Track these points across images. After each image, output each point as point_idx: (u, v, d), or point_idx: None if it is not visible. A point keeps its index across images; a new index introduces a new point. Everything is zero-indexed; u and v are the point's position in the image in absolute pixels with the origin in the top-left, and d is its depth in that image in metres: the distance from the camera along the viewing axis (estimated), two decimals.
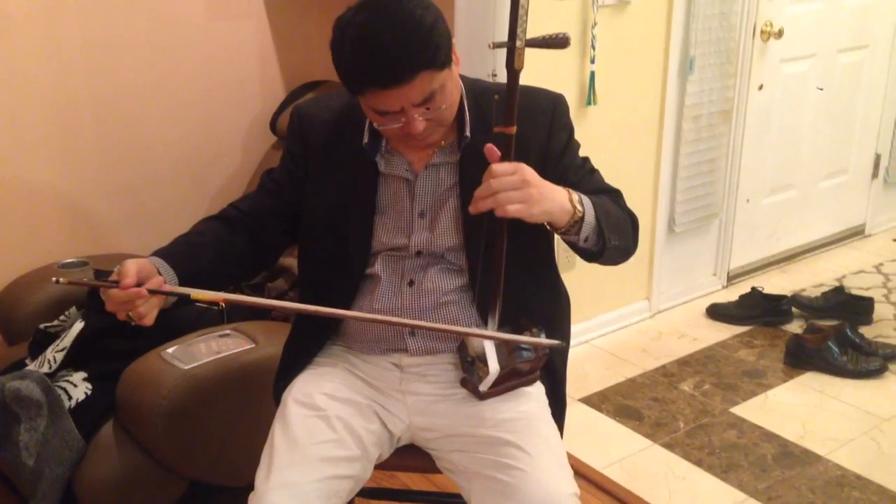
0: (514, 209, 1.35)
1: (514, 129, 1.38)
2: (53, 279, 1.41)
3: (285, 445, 1.48)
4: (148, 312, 1.40)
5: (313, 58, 3.08)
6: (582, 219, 1.44)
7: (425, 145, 1.53)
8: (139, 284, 1.38)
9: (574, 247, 1.52)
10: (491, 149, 1.38)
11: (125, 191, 2.79)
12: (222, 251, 1.61)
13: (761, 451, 2.57)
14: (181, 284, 1.50)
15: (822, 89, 3.58)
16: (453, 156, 1.56)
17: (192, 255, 1.57)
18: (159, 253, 1.54)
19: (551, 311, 1.67)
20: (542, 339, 1.50)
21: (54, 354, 2.13)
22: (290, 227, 1.67)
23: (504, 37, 1.34)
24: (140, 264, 1.42)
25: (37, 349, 2.22)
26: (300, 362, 1.65)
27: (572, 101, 2.84)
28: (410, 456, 1.65)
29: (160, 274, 1.46)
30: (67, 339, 2.15)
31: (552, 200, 1.39)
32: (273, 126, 2.96)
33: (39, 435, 1.97)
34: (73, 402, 2.04)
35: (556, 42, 1.36)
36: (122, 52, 2.68)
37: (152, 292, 1.39)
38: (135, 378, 2.03)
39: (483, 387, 1.50)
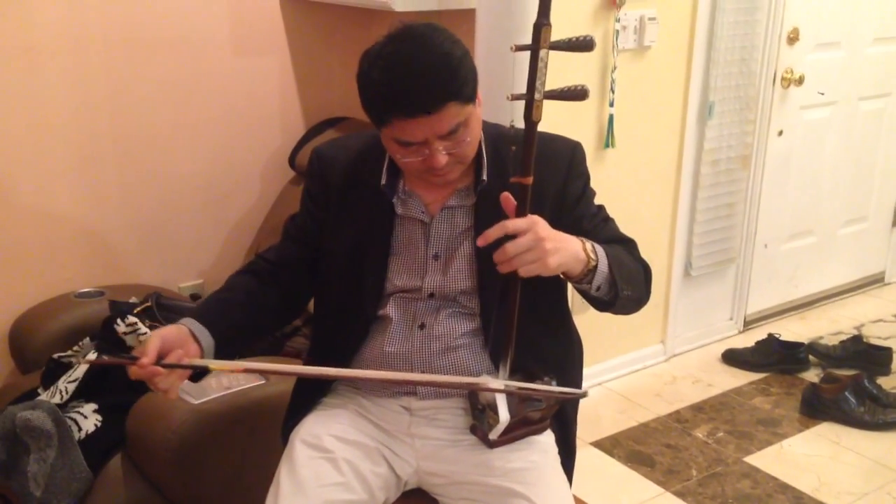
0: (527, 270, 1.35)
1: (530, 180, 1.38)
2: (79, 360, 1.43)
3: (291, 487, 1.47)
4: (170, 386, 1.41)
5: (334, 95, 3.10)
6: (595, 268, 1.43)
7: (444, 183, 1.53)
8: (160, 358, 1.38)
9: (586, 296, 1.52)
10: (507, 198, 1.37)
11: (144, 221, 2.81)
12: (254, 305, 1.62)
13: (775, 502, 2.53)
14: (218, 343, 1.51)
15: (822, 94, 3.56)
16: (469, 199, 1.56)
17: (223, 312, 1.58)
18: (193, 313, 1.54)
19: (563, 358, 1.66)
20: (554, 388, 1.49)
21: (66, 385, 2.14)
22: (317, 271, 1.67)
23: (523, 88, 1.35)
24: (166, 336, 1.43)
25: (49, 379, 2.22)
26: (309, 403, 1.65)
27: (590, 143, 2.86)
28: (417, 500, 1.63)
29: (194, 336, 1.48)
30: (80, 369, 2.16)
31: (566, 251, 1.39)
32: (292, 161, 2.98)
33: (48, 466, 1.96)
34: (82, 434, 2.04)
35: (575, 94, 1.36)
36: (146, 86, 2.72)
37: (167, 366, 1.38)
38: (144, 411, 2.03)
39: (493, 435, 1.49)
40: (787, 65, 3.41)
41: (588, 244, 1.43)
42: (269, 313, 1.66)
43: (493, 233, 1.35)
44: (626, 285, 1.47)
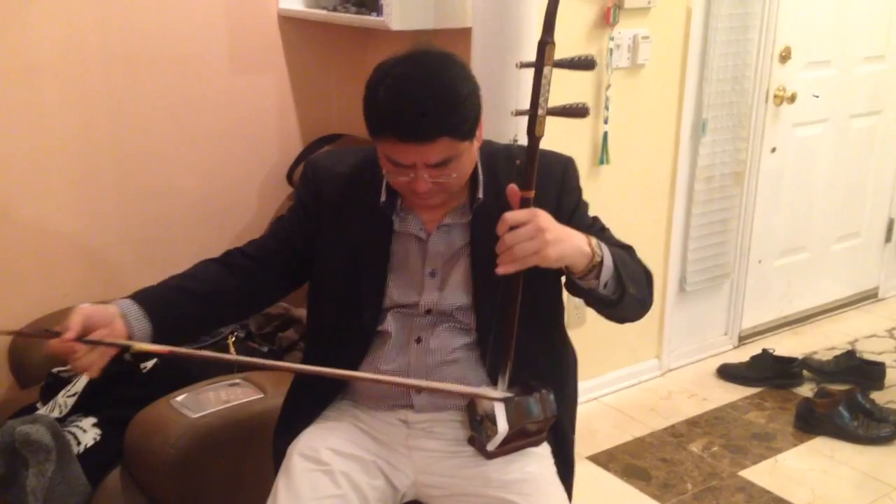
0: (526, 261, 1.36)
1: (532, 193, 1.40)
2: None
3: (287, 499, 1.49)
4: (91, 364, 1.39)
5: (331, 112, 3.13)
6: (601, 262, 1.44)
7: (429, 206, 1.56)
8: (83, 335, 1.37)
9: (593, 295, 1.49)
10: (513, 189, 1.40)
11: (142, 237, 2.83)
12: (213, 297, 1.60)
13: None
14: (156, 330, 1.49)
15: (817, 96, 3.60)
16: (465, 217, 1.58)
17: (174, 301, 1.55)
18: (139, 297, 1.51)
19: (559, 371, 1.68)
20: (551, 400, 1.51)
21: (65, 399, 2.15)
22: (290, 275, 1.67)
23: (517, 104, 1.38)
24: (92, 313, 1.41)
25: (48, 393, 2.23)
26: (305, 416, 1.66)
27: (585, 160, 2.89)
28: None
29: (128, 320, 1.46)
30: (79, 384, 2.17)
31: (568, 243, 1.40)
32: (289, 178, 3.00)
33: (47, 480, 1.97)
34: (81, 448, 2.05)
35: (576, 111, 1.40)
36: (145, 103, 2.74)
37: (88, 342, 1.37)
38: (143, 425, 2.04)
39: (491, 446, 1.51)
40: (779, 83, 3.45)
41: (593, 240, 1.44)
42: (228, 306, 1.64)
43: (499, 229, 1.37)
44: (632, 284, 1.48)
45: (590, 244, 1.43)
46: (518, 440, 1.54)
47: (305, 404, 1.68)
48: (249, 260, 1.65)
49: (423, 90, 1.39)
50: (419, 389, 1.57)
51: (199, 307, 1.59)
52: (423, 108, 1.37)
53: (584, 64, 1.39)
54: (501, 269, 1.38)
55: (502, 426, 1.47)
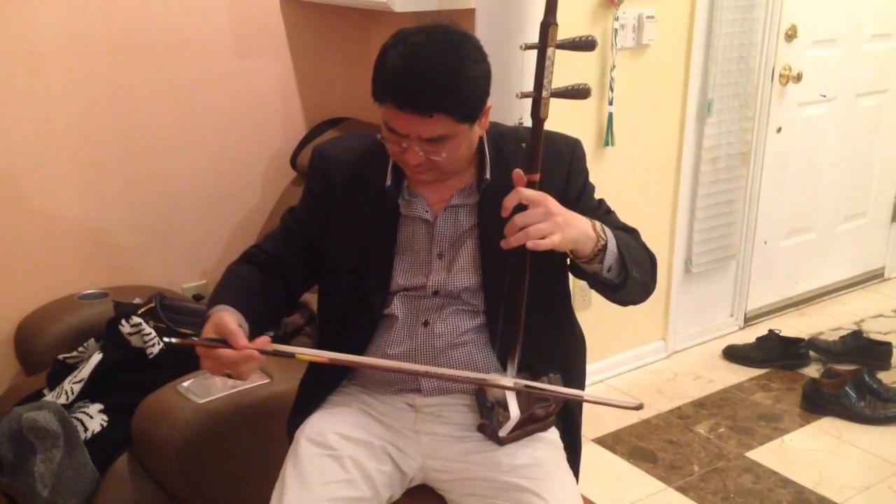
0: (546, 243, 1.35)
1: (537, 177, 1.40)
2: (165, 339, 1.40)
3: (296, 484, 1.49)
4: (250, 372, 1.41)
5: (334, 95, 3.12)
6: (605, 247, 1.44)
7: (421, 182, 1.55)
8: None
9: (597, 279, 1.50)
10: (518, 174, 1.39)
11: (146, 223, 2.82)
12: (266, 295, 1.62)
13: (777, 497, 2.54)
14: (252, 334, 1.48)
15: (824, 96, 3.58)
16: (472, 198, 1.58)
17: (254, 304, 1.56)
18: (231, 304, 1.50)
19: (567, 354, 1.68)
20: (562, 388, 1.51)
21: (72, 385, 2.15)
22: (314, 266, 1.68)
23: (530, 86, 1.38)
24: (235, 321, 1.41)
25: (55, 380, 2.24)
26: (315, 400, 1.66)
27: (590, 141, 2.88)
28: (423, 496, 1.64)
29: (244, 328, 1.46)
30: (85, 370, 2.17)
31: (577, 227, 1.40)
32: (293, 162, 2.99)
33: (55, 466, 1.98)
34: (88, 434, 2.06)
35: (579, 93, 1.41)
36: (148, 88, 2.73)
37: (264, 352, 1.38)
38: (150, 411, 2.05)
39: (503, 432, 1.51)
40: (785, 62, 3.42)
41: (597, 224, 1.45)
42: (278, 305, 1.67)
43: (509, 200, 1.37)
44: (635, 266, 1.48)
45: (594, 228, 1.43)
46: (527, 425, 1.54)
47: (316, 388, 1.68)
48: (275, 259, 1.66)
49: (431, 63, 1.38)
50: (437, 377, 1.56)
51: (261, 306, 1.59)
52: (426, 81, 1.38)
53: (584, 45, 1.39)
54: (505, 245, 1.37)
55: (514, 412, 1.47)
